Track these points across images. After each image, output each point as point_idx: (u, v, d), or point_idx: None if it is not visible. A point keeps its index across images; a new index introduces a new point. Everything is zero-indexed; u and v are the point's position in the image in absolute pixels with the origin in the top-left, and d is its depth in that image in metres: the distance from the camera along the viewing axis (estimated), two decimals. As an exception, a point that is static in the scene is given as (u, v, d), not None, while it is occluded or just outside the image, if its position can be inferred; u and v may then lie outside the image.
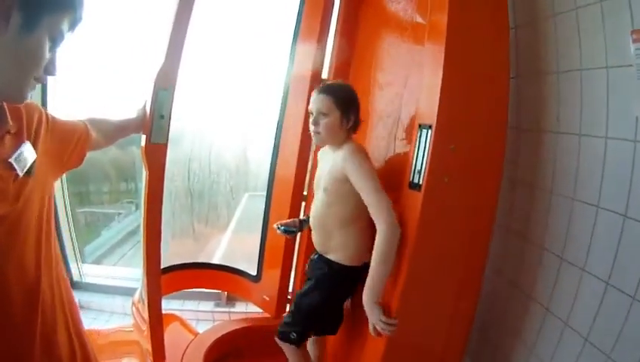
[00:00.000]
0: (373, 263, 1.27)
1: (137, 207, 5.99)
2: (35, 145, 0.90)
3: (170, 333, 2.00)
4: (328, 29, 2.00)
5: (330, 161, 1.50)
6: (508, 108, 1.26)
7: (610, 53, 1.08)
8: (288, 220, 1.78)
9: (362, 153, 1.42)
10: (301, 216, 1.99)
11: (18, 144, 0.86)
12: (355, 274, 1.49)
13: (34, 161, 0.88)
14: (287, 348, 1.63)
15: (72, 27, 0.80)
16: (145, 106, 1.53)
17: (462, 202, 1.17)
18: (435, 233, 1.16)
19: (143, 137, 1.51)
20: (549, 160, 1.31)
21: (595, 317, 1.11)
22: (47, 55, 0.77)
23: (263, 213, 2.28)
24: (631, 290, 1.02)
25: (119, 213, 7.06)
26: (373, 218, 1.30)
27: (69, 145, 1.06)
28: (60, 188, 2.95)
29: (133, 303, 2.01)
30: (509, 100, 1.25)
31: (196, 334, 2.05)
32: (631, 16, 1.00)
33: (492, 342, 1.55)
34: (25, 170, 0.84)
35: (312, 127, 1.47)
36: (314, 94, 1.48)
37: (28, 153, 0.87)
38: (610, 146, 1.10)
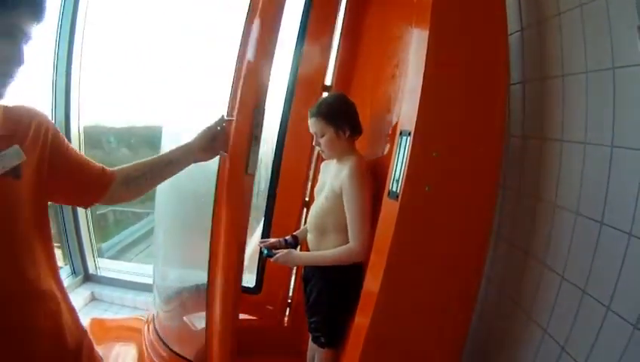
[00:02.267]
0: (321, 253, 1.57)
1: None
2: (25, 152, 0.88)
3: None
4: (333, 33, 1.97)
5: (333, 173, 1.61)
6: (506, 114, 1.18)
7: (616, 51, 0.98)
8: (274, 240, 1.78)
9: (361, 175, 1.50)
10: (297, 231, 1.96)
11: (6, 146, 0.86)
12: (346, 273, 1.53)
13: (19, 164, 0.86)
14: (319, 351, 1.69)
15: (36, 20, 0.82)
16: (214, 130, 1.28)
17: (448, 212, 1.09)
18: (414, 243, 1.09)
19: (226, 166, 1.29)
20: (554, 170, 1.21)
21: (592, 346, 1.00)
22: (11, 50, 0.79)
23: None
24: (632, 318, 0.91)
25: (148, 213, 7.28)
26: (349, 235, 1.49)
27: (73, 176, 1.01)
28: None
29: (146, 322, 1.98)
30: (506, 105, 1.17)
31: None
32: (637, 8, 0.90)
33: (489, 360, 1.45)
34: (6, 170, 0.84)
35: (316, 148, 1.63)
36: (309, 119, 1.60)
37: (13, 155, 0.86)
38: (616, 156, 1.00)
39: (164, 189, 1.86)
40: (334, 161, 1.64)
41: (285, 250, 1.63)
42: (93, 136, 3.93)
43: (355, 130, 1.59)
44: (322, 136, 1.56)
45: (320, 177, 1.76)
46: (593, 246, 1.03)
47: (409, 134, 1.02)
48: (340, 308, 1.58)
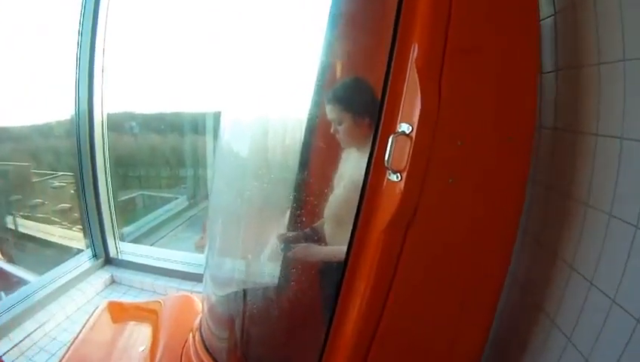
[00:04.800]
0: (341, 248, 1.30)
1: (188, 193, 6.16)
2: None
3: (182, 312, 2.07)
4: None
5: (353, 162, 1.49)
6: (537, 104, 1.10)
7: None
8: (292, 233, 1.68)
9: None
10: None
11: None
12: None
13: None
14: None
15: None
16: None
17: (471, 205, 1.04)
18: (434, 239, 1.04)
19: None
20: (587, 167, 1.11)
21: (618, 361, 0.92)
22: None
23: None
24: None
25: (176, 198, 7.42)
26: None
27: None
28: (103, 171, 3.12)
29: (192, 330, 1.86)
30: (536, 95, 1.08)
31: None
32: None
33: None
34: None
35: (336, 136, 1.49)
36: (326, 105, 1.48)
37: None
38: (657, 153, 0.90)
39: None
40: (354, 149, 1.55)
41: (304, 244, 1.57)
42: (120, 123, 4.03)
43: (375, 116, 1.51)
44: (340, 123, 1.46)
45: (340, 166, 1.66)
46: (626, 253, 0.94)
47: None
48: None
